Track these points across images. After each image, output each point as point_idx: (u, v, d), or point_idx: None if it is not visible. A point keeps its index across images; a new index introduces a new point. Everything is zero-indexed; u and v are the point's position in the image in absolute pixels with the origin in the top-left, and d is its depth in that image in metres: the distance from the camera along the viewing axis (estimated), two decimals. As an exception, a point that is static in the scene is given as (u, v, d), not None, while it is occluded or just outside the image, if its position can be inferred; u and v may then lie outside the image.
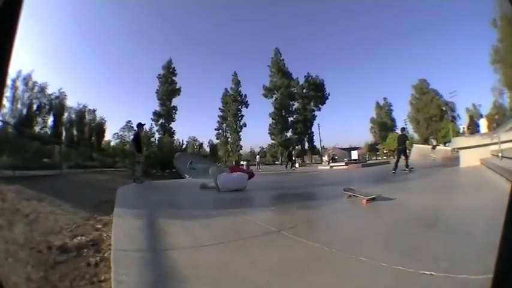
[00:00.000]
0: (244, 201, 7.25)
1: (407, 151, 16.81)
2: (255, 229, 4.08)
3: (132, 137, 14.89)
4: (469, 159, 13.09)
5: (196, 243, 3.48)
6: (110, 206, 6.38)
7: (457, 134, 59.78)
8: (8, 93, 53.59)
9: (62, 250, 3.28)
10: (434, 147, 38.35)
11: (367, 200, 6.18)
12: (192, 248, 3.31)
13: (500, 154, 9.76)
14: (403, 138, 16.85)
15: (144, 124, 14.04)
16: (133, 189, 10.64)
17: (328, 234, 3.85)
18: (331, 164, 32.69)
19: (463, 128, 49.44)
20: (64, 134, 64.64)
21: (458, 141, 17.46)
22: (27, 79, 56.86)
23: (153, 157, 22.31)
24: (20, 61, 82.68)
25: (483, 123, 25.51)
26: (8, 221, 4.12)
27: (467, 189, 7.51)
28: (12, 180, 9.57)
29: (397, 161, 15.59)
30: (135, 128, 16.84)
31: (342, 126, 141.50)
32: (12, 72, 56.04)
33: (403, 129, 19.72)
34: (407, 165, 15.20)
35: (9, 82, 53.60)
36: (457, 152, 16.87)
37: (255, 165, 51.06)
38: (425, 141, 75.43)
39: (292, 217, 4.94)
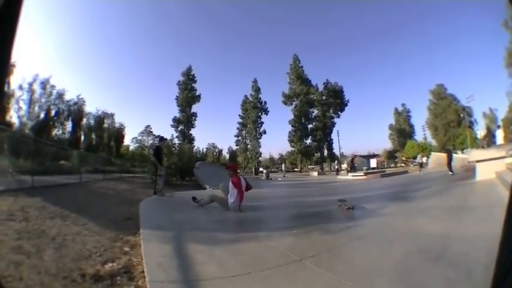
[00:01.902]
0: (266, 223, 7.28)
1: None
2: (279, 257, 4.10)
3: (153, 150, 14.92)
4: (485, 172, 13.09)
5: (226, 273, 3.47)
6: (134, 223, 6.48)
7: (475, 140, 59.18)
8: (24, 96, 54.18)
9: (96, 279, 3.28)
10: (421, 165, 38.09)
11: (347, 208, 8.17)
12: (222, 278, 3.31)
13: None
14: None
15: (166, 139, 14.20)
16: (156, 204, 10.61)
17: (346, 264, 3.86)
18: (351, 174, 32.34)
19: (480, 133, 48.87)
20: (83, 139, 64.96)
21: (475, 154, 17.61)
22: (45, 83, 57.20)
23: (174, 167, 22.33)
24: (37, 64, 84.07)
25: (499, 135, 25.41)
26: (36, 246, 4.11)
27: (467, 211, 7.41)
28: (31, 191, 9.64)
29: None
30: (157, 141, 16.91)
31: (361, 133, 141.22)
32: (29, 75, 56.80)
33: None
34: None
35: (25, 85, 54.37)
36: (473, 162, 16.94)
37: (277, 172, 51.11)
38: (443, 148, 74.71)
39: (312, 243, 4.96)
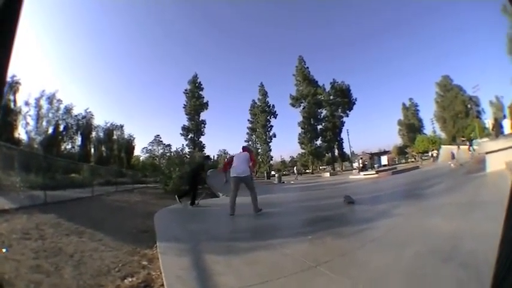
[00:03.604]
0: (280, 229, 7.23)
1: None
2: (294, 264, 4.12)
3: (196, 166, 15.26)
4: (495, 163, 13.14)
5: (244, 282, 3.50)
6: (150, 236, 6.54)
7: (483, 130, 58.93)
8: (31, 111, 54.59)
9: None
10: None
11: (348, 203, 9.87)
12: None
13: None
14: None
15: (210, 159, 14.57)
16: (170, 215, 10.69)
17: (360, 268, 3.85)
18: (363, 173, 32.35)
19: (488, 122, 48.62)
20: (93, 152, 65.29)
21: (484, 146, 17.62)
22: (51, 98, 57.59)
23: (186, 176, 22.43)
24: (44, 80, 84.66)
25: (507, 124, 25.24)
26: (55, 264, 4.18)
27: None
28: (45, 208, 9.78)
29: None
30: (202, 158, 17.35)
31: (370, 130, 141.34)
32: (35, 91, 57.36)
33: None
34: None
35: (31, 100, 54.77)
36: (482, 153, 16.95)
37: (289, 175, 51.12)
38: (453, 140, 74.52)
39: (326, 248, 4.97)
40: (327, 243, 5.28)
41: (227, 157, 10.02)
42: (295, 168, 55.44)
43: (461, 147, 36.99)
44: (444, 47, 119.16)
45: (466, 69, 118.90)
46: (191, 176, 14.47)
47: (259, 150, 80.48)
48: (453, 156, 29.65)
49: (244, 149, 10.74)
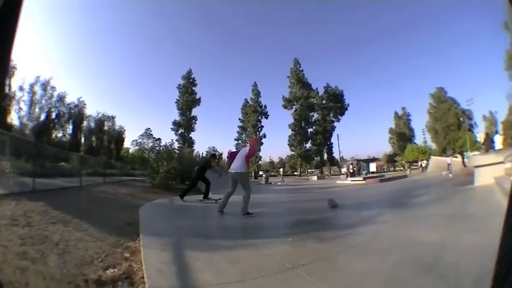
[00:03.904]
0: (263, 229, 7.38)
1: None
2: (273, 265, 4.21)
3: (204, 162, 15.45)
4: (484, 177, 13.30)
5: (222, 280, 3.59)
6: (135, 229, 6.62)
7: (474, 143, 59.43)
8: (25, 96, 54.29)
9: (99, 284, 3.42)
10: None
11: (331, 207, 10.21)
12: (218, 285, 3.44)
13: None
14: None
15: (217, 157, 14.67)
16: (155, 209, 10.82)
17: (338, 273, 3.91)
18: (350, 179, 32.52)
19: (480, 136, 49.04)
20: (83, 141, 65.05)
21: (474, 159, 17.59)
22: (45, 84, 57.28)
23: (174, 171, 22.38)
24: (39, 66, 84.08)
25: (498, 140, 25.57)
26: (41, 251, 4.25)
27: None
28: (33, 195, 9.85)
29: None
30: (209, 156, 17.41)
31: (361, 137, 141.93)
32: (30, 76, 56.93)
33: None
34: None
35: (26, 85, 54.49)
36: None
37: (277, 176, 51.36)
38: (443, 152, 75.08)
39: (306, 251, 5.03)
40: (307, 246, 5.35)
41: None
42: (281, 169, 55.55)
43: (453, 159, 37.46)
44: (441, 59, 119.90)
45: (461, 83, 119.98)
46: (197, 173, 14.56)
47: None
48: (448, 167, 30.11)
49: (252, 141, 10.71)
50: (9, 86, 50.87)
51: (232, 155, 10.25)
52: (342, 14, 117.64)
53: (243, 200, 9.37)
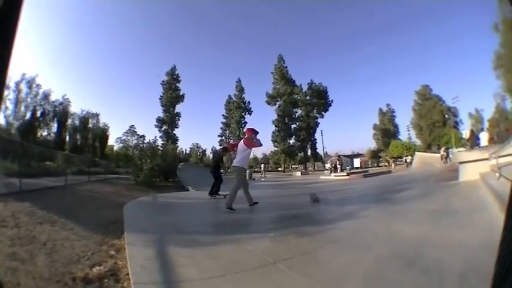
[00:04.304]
0: (245, 225, 7.53)
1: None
2: (254, 260, 4.29)
3: (217, 156, 15.54)
4: (469, 173, 13.39)
5: (204, 275, 3.70)
6: (119, 226, 6.73)
7: (460, 140, 60.01)
8: (11, 95, 53.76)
9: (86, 282, 3.54)
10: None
11: (313, 201, 10.54)
12: (200, 280, 3.55)
13: (497, 174, 9.88)
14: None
15: (228, 150, 14.74)
16: (139, 207, 10.87)
17: (318, 268, 3.98)
18: (334, 174, 32.63)
19: (466, 133, 50.24)
20: (68, 139, 64.55)
21: (458, 155, 17.76)
22: (31, 82, 56.75)
23: (157, 169, 22.38)
24: (23, 64, 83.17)
25: (483, 137, 25.84)
26: (29, 252, 4.36)
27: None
28: (20, 196, 9.89)
29: None
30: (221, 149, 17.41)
31: (345, 132, 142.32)
32: (15, 74, 56.27)
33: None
34: None
35: (11, 84, 53.87)
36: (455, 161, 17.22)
37: (260, 172, 51.37)
38: (428, 148, 75.70)
39: (287, 246, 5.12)
40: (289, 241, 5.44)
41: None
42: (262, 165, 55.52)
43: (442, 153, 38.09)
44: (428, 57, 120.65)
45: (448, 81, 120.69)
46: (213, 168, 14.84)
47: None
48: (443, 157, 30.97)
49: (248, 131, 10.88)
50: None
51: (232, 147, 10.61)
52: (327, 11, 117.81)
53: (231, 191, 9.68)
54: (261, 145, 10.71)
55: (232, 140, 70.70)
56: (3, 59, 1.54)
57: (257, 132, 10.76)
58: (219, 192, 13.79)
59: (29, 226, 6.01)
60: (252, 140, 10.36)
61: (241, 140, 10.64)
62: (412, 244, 4.71)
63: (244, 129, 10.89)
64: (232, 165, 10.47)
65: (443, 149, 39.13)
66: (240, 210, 9.34)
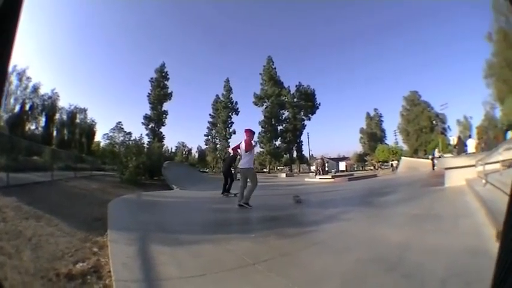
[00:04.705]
0: (227, 225, 7.69)
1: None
2: (234, 261, 4.38)
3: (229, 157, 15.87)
4: (455, 178, 13.45)
5: (184, 273, 3.80)
6: (103, 224, 6.84)
7: (447, 146, 60.54)
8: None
9: (69, 278, 3.62)
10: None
11: (296, 202, 10.96)
12: (180, 278, 3.64)
13: (484, 181, 9.99)
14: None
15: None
16: (123, 205, 10.95)
17: (297, 270, 4.03)
18: (319, 177, 32.70)
19: (453, 139, 50.64)
20: (55, 134, 63.99)
21: (444, 161, 17.99)
22: (21, 74, 56.22)
23: (142, 167, 22.34)
24: (14, 55, 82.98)
25: (471, 144, 26.12)
26: (15, 247, 4.44)
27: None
28: (7, 190, 9.98)
29: None
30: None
31: (331, 135, 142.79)
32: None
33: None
34: None
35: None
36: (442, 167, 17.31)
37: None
38: (415, 153, 76.25)
39: (268, 247, 5.19)
40: (269, 243, 5.52)
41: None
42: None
43: (426, 161, 38.67)
44: (419, 62, 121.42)
45: (438, 87, 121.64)
46: (227, 168, 15.79)
47: (218, 146, 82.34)
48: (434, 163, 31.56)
49: (247, 132, 11.22)
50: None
51: (234, 150, 11.20)
52: (318, 13, 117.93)
53: (248, 190, 10.61)
54: (256, 145, 11.23)
55: (219, 140, 71.04)
56: (3, 59, 1.56)
57: (254, 133, 11.29)
58: (230, 191, 14.63)
59: (15, 221, 6.07)
60: (251, 140, 10.88)
61: (243, 143, 11.09)
62: (393, 248, 4.74)
63: (242, 131, 11.38)
64: (243, 167, 11.04)
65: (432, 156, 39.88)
66: (224, 210, 9.50)
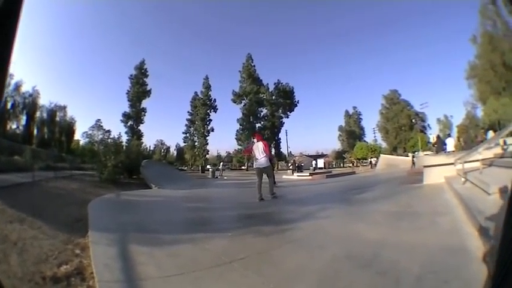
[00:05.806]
0: (205, 224, 7.87)
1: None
2: (211, 259, 4.58)
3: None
4: (433, 176, 13.68)
5: (163, 273, 3.99)
6: (84, 225, 6.98)
7: (426, 144, 61.40)
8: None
9: (55, 280, 3.79)
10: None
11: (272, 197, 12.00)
12: (159, 278, 3.83)
13: (463, 179, 10.22)
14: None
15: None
16: (103, 205, 11.13)
17: (273, 267, 4.19)
18: (296, 174, 33.49)
19: (433, 138, 51.66)
20: (36, 133, 63.22)
21: (422, 159, 18.38)
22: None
23: (121, 165, 22.24)
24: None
25: (450, 142, 26.54)
26: (2, 251, 4.59)
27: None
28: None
29: None
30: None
31: (310, 133, 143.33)
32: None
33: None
34: None
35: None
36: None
37: (225, 170, 51.31)
38: (394, 151, 76.98)
39: (245, 246, 5.41)
40: (246, 241, 5.75)
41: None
42: (221, 164, 55.20)
43: (406, 158, 39.28)
44: (400, 61, 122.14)
45: (420, 87, 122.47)
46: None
47: (196, 143, 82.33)
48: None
49: (258, 136, 11.85)
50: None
51: (247, 151, 12.26)
52: (298, 11, 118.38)
53: (270, 184, 12.62)
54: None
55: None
56: (3, 59, 1.61)
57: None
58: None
59: (1, 225, 6.22)
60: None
61: (260, 145, 12.40)
62: (369, 245, 4.83)
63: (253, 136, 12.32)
64: (262, 166, 12.44)
65: (412, 155, 40.54)
66: (201, 209, 9.71)
